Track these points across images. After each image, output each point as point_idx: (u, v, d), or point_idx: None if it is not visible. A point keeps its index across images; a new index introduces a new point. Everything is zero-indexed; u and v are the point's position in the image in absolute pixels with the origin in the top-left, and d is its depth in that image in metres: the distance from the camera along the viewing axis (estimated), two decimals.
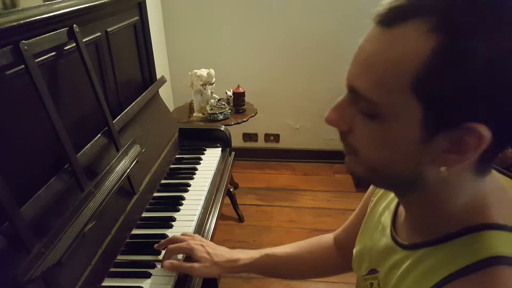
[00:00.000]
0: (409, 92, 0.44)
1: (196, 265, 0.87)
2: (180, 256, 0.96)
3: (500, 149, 0.48)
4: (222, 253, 0.89)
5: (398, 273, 0.59)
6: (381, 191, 0.73)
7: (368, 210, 0.75)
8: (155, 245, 0.98)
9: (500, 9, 0.41)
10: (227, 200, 2.33)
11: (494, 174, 0.54)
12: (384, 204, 0.70)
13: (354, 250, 0.74)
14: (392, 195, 0.69)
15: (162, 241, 0.98)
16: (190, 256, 0.91)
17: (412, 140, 0.47)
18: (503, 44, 0.41)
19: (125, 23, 1.29)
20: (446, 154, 0.46)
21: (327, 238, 0.92)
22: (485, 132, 0.43)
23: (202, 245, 0.90)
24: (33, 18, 0.80)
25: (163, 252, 0.97)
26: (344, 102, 0.52)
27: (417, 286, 0.54)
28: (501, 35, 0.41)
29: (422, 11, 0.43)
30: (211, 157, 1.47)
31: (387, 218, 0.67)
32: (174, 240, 0.95)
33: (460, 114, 0.44)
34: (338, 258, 0.89)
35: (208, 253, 0.88)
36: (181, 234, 0.97)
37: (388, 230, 0.65)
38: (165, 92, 2.61)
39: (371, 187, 0.78)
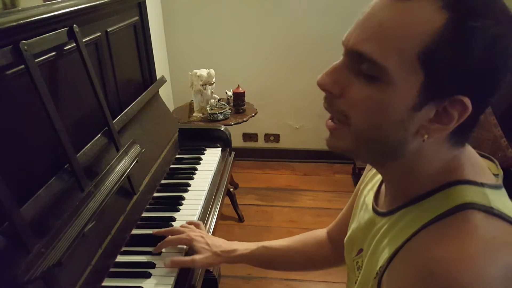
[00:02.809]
0: (416, 60, 0.48)
1: (197, 257, 0.90)
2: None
3: (474, 122, 0.53)
4: (221, 243, 0.92)
5: (375, 239, 0.61)
6: (367, 178, 0.76)
7: (357, 198, 0.78)
8: (154, 231, 1.01)
9: None
10: (227, 200, 2.33)
11: (471, 149, 0.58)
12: (369, 187, 0.73)
13: (345, 238, 0.76)
14: (376, 178, 0.72)
15: (162, 230, 1.01)
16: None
17: (405, 106, 0.50)
18: (501, 28, 0.47)
19: (125, 23, 1.29)
20: (430, 123, 0.51)
21: (321, 232, 0.96)
22: (469, 105, 0.49)
23: (201, 236, 0.93)
24: (33, 18, 0.80)
25: (163, 252, 0.98)
26: (339, 66, 0.54)
27: (393, 243, 0.56)
28: (498, 20, 0.47)
29: None
30: (211, 157, 1.47)
31: (370, 197, 0.70)
32: (174, 231, 0.98)
33: (455, 86, 0.48)
34: (331, 251, 0.92)
35: (207, 243, 0.91)
36: (181, 226, 1.00)
37: (370, 206, 0.68)
38: (165, 92, 2.61)
39: (360, 180, 0.80)
